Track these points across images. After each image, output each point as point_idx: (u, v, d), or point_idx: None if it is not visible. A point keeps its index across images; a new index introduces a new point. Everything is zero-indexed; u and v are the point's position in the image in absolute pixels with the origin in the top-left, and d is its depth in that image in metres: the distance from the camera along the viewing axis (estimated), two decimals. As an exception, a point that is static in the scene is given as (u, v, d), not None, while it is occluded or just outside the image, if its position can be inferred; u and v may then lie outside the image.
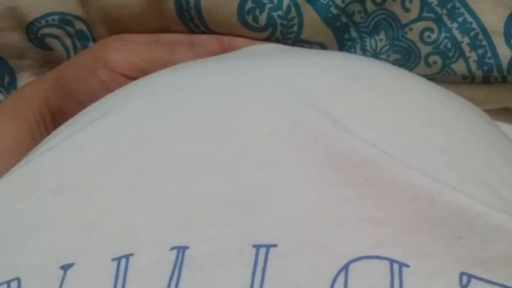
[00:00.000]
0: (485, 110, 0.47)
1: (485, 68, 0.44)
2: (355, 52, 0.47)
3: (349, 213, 0.25)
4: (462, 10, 0.43)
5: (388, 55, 0.46)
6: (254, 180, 0.26)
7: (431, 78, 0.46)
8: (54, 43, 0.49)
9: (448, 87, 0.44)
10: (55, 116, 0.44)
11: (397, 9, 0.44)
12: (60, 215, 0.26)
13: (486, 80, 0.46)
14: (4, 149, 0.41)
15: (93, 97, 0.37)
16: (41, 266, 0.25)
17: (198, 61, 0.37)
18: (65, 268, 0.25)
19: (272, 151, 0.27)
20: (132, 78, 0.41)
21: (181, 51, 0.44)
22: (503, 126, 0.47)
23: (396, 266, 0.23)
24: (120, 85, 0.41)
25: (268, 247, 0.24)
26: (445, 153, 0.28)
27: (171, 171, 0.27)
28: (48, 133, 0.37)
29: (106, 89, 0.41)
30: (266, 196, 0.25)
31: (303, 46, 0.47)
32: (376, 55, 0.46)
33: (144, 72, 0.41)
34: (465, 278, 0.23)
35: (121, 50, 0.43)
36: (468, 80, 0.46)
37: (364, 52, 0.46)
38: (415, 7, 0.44)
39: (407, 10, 0.44)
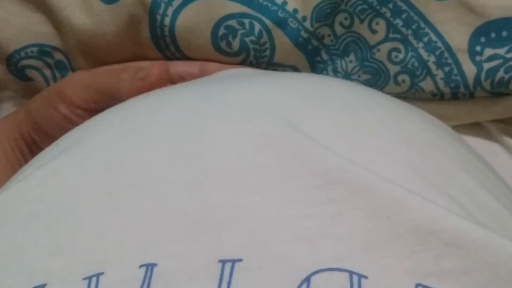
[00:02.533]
0: (456, 126, 0.49)
1: (452, 85, 0.45)
2: (327, 74, 0.48)
3: (310, 229, 0.26)
4: (427, 30, 0.44)
5: (359, 76, 0.47)
6: (219, 200, 0.27)
7: (401, 96, 0.47)
8: (34, 74, 0.50)
9: (419, 104, 0.45)
10: (31, 147, 0.45)
11: (364, 31, 0.45)
12: (33, 239, 0.27)
13: (455, 96, 0.47)
14: None
15: (60, 130, 0.38)
16: None
17: (168, 87, 0.39)
18: None
19: (236, 172, 0.28)
20: (89, 110, 0.42)
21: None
22: (474, 140, 0.49)
23: (355, 278, 0.24)
24: (82, 117, 0.42)
25: (234, 262, 0.25)
26: (404, 166, 0.29)
27: (140, 194, 0.28)
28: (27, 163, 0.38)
29: (70, 122, 0.43)
30: (231, 215, 0.26)
31: (276, 69, 0.48)
32: (347, 76, 0.47)
33: (98, 104, 0.42)
34: None
35: (74, 84, 0.44)
36: (437, 97, 0.47)
37: (335, 73, 0.48)
38: (381, 29, 0.45)
39: (374, 32, 0.45)
